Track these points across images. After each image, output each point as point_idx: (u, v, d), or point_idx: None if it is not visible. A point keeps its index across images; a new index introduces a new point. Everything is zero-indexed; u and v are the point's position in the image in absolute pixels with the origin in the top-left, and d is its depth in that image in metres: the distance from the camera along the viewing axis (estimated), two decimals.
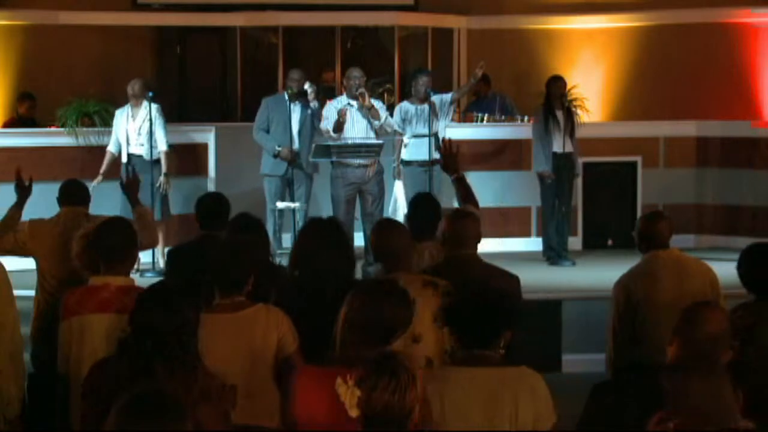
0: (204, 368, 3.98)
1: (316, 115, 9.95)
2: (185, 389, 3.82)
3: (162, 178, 9.93)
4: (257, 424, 4.37)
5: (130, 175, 6.61)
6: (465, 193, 6.08)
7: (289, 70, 10.35)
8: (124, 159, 9.98)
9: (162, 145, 9.98)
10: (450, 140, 6.42)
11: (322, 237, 5.05)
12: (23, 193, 6.50)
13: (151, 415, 3.00)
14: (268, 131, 9.98)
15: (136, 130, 9.95)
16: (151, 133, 9.88)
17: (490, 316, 3.93)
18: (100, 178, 9.83)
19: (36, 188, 6.60)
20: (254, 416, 4.38)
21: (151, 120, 9.89)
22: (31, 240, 6.29)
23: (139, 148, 9.94)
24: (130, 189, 6.43)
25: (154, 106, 9.96)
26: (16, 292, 5.57)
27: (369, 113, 9.71)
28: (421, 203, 6.17)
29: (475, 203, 6.03)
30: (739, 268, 5.25)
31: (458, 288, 4.24)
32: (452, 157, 6.23)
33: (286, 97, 9.86)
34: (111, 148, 10.06)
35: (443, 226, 5.32)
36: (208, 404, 3.87)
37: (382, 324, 3.84)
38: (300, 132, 9.85)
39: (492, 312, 3.93)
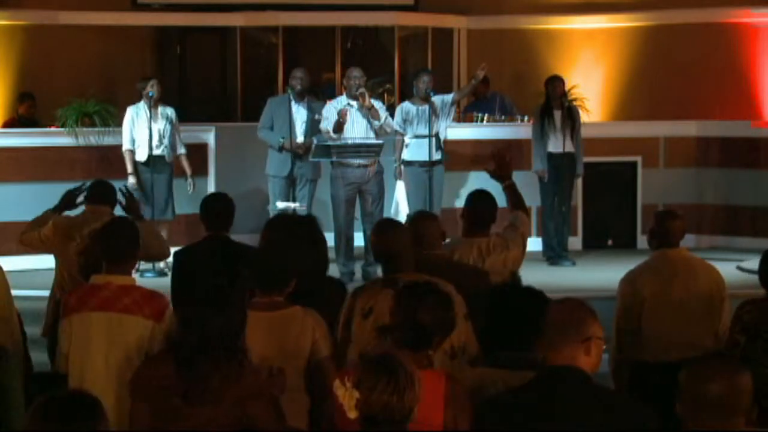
0: (251, 365, 3.99)
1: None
2: (231, 384, 3.86)
3: (191, 180, 10.16)
4: (285, 420, 4.36)
5: (125, 197, 6.55)
6: (516, 201, 6.10)
7: (291, 69, 10.34)
8: (143, 158, 9.97)
9: (182, 148, 10.19)
10: (502, 148, 6.38)
11: (291, 233, 5.08)
12: (68, 204, 6.44)
13: (62, 415, 3.02)
14: (272, 130, 9.99)
15: (159, 131, 9.98)
16: (167, 135, 9.96)
17: (531, 317, 3.93)
18: (133, 179, 9.84)
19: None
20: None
21: (172, 122, 10.07)
22: (54, 237, 6.28)
23: (160, 150, 9.99)
24: (133, 209, 6.41)
25: (172, 109, 10.06)
26: (17, 292, 5.59)
27: (369, 113, 9.71)
28: (477, 198, 6.09)
29: (525, 210, 6.07)
30: (760, 267, 5.27)
31: (498, 290, 4.25)
32: (505, 165, 6.23)
33: (291, 97, 9.87)
34: (130, 147, 10.00)
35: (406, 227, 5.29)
36: (257, 401, 3.88)
37: (422, 327, 3.84)
38: (306, 133, 9.85)
39: (530, 313, 3.95)
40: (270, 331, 4.49)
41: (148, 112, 9.98)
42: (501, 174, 6.24)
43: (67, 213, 6.48)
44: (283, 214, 5.92)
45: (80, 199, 6.49)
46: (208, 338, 3.90)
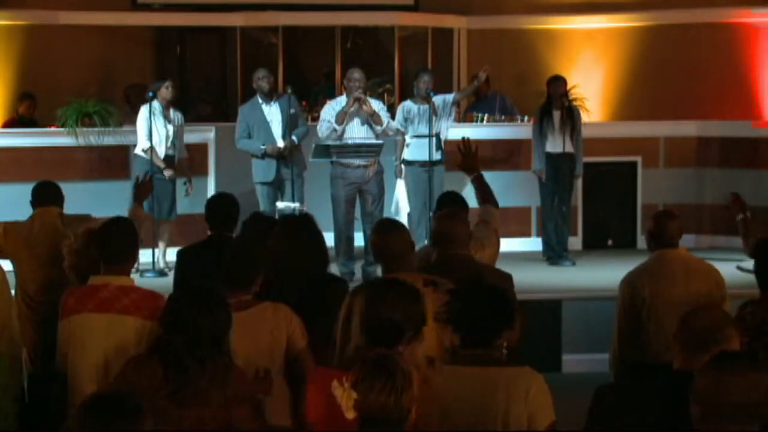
0: (237, 369, 3.99)
1: (301, 116, 10.01)
2: (219, 388, 3.87)
3: (188, 184, 10.13)
4: (268, 423, 4.36)
5: (144, 179, 6.54)
6: (484, 193, 6.06)
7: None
8: (161, 156, 9.96)
9: (184, 151, 10.24)
10: (468, 139, 6.35)
11: (291, 234, 5.09)
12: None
13: (108, 414, 3.05)
14: (250, 138, 10.01)
15: (173, 132, 9.99)
16: (177, 137, 10.04)
17: (488, 315, 3.93)
18: (171, 172, 9.92)
19: None
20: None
21: (182, 125, 10.13)
22: (6, 243, 6.18)
23: (171, 151, 10.02)
24: (144, 191, 6.40)
25: (180, 114, 10.17)
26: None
27: (370, 119, 9.72)
28: (447, 201, 6.12)
29: (495, 203, 6.03)
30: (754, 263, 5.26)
31: (457, 287, 4.24)
32: (471, 156, 6.19)
33: (260, 100, 9.91)
34: (149, 143, 9.87)
35: (433, 226, 5.29)
36: (242, 406, 3.88)
37: (390, 325, 3.81)
38: (284, 132, 9.84)
39: (490, 311, 3.93)
40: (243, 330, 4.45)
41: (162, 112, 9.96)
42: (467, 166, 6.22)
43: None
44: (259, 214, 5.93)
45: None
46: (198, 339, 3.89)
